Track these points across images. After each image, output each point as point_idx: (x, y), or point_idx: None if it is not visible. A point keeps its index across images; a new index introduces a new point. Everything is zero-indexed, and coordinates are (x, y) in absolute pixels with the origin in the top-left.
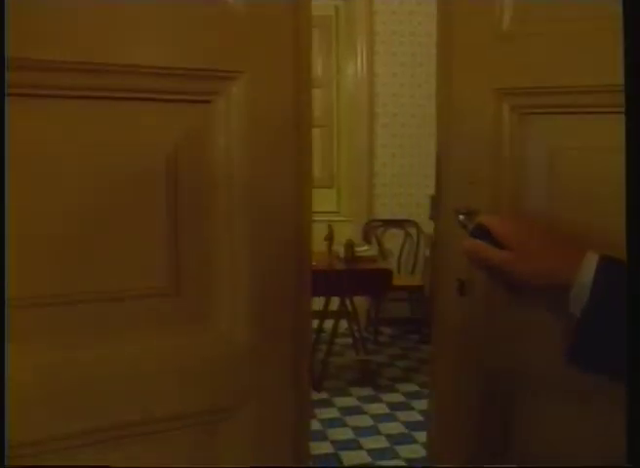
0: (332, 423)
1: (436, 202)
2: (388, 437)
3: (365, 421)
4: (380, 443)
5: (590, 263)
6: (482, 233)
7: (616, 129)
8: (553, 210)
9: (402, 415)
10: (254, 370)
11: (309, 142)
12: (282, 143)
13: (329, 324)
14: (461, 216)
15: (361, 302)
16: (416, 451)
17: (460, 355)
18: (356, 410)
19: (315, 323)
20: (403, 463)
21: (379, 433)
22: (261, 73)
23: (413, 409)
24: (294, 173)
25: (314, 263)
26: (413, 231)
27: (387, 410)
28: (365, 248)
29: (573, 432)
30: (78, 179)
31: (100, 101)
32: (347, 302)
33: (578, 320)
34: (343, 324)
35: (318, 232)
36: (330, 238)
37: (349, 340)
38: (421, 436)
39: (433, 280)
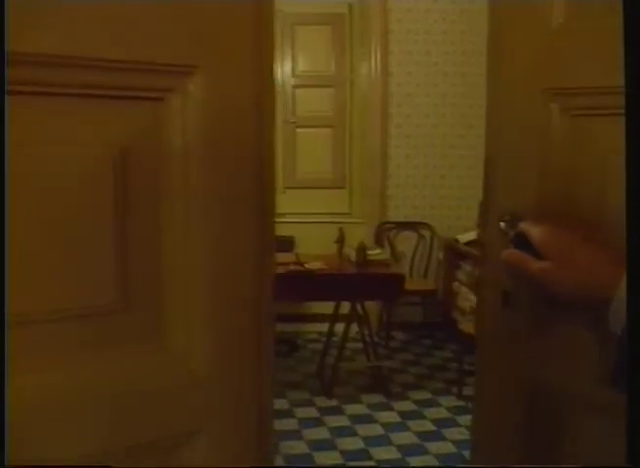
0: (341, 432)
1: (484, 208)
2: (399, 447)
3: (375, 430)
4: (391, 453)
5: None
6: (522, 241)
7: None
8: (606, 218)
9: (414, 425)
10: (212, 391)
11: (272, 144)
12: (242, 145)
13: (339, 328)
14: (503, 224)
15: (372, 306)
16: (428, 463)
17: (504, 369)
18: (366, 419)
19: (326, 327)
20: None
21: (390, 443)
22: (220, 69)
23: (425, 417)
24: (255, 176)
25: (325, 266)
26: (426, 234)
27: (399, 419)
28: (377, 251)
29: (620, 452)
30: (23, 184)
31: (40, 97)
32: (358, 306)
33: (619, 338)
34: (354, 328)
35: (329, 234)
36: (341, 240)
37: (360, 345)
38: (434, 447)
39: (479, 291)
